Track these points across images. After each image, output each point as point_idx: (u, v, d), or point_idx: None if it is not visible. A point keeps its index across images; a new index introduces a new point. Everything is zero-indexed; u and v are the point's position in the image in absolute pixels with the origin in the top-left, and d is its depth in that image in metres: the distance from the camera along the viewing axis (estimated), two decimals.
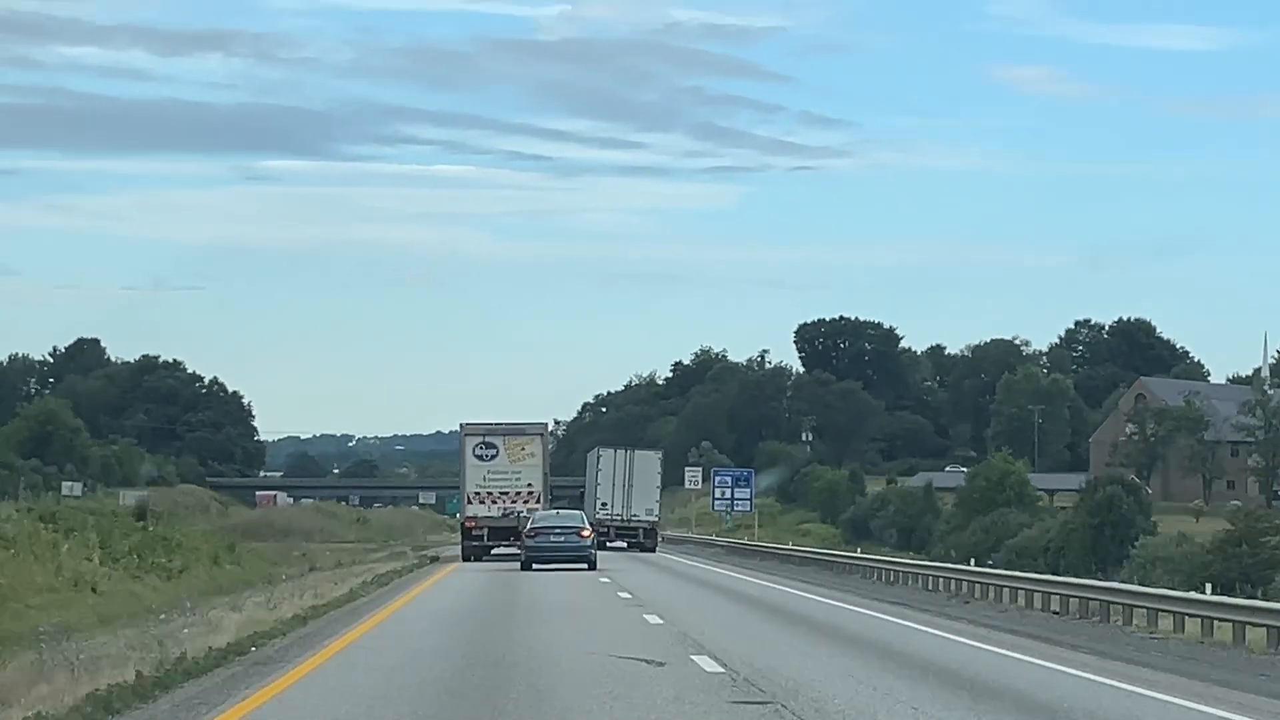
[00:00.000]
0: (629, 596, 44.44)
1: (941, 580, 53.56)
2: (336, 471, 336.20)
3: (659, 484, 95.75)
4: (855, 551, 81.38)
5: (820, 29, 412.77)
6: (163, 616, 36.89)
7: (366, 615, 35.39)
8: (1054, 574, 61.07)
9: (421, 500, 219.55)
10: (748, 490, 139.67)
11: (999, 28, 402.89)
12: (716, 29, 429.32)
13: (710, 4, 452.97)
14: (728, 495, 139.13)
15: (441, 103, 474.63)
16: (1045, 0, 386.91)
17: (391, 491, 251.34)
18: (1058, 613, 40.80)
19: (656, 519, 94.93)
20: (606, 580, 53.61)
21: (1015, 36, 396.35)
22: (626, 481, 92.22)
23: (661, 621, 34.17)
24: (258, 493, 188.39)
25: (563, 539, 61.98)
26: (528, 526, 63.77)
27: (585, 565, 61.10)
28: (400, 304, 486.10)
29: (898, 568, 62.89)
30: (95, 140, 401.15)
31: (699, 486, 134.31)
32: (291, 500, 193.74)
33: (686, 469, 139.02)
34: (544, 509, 71.08)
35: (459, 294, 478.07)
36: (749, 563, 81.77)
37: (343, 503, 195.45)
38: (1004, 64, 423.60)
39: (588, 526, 64.79)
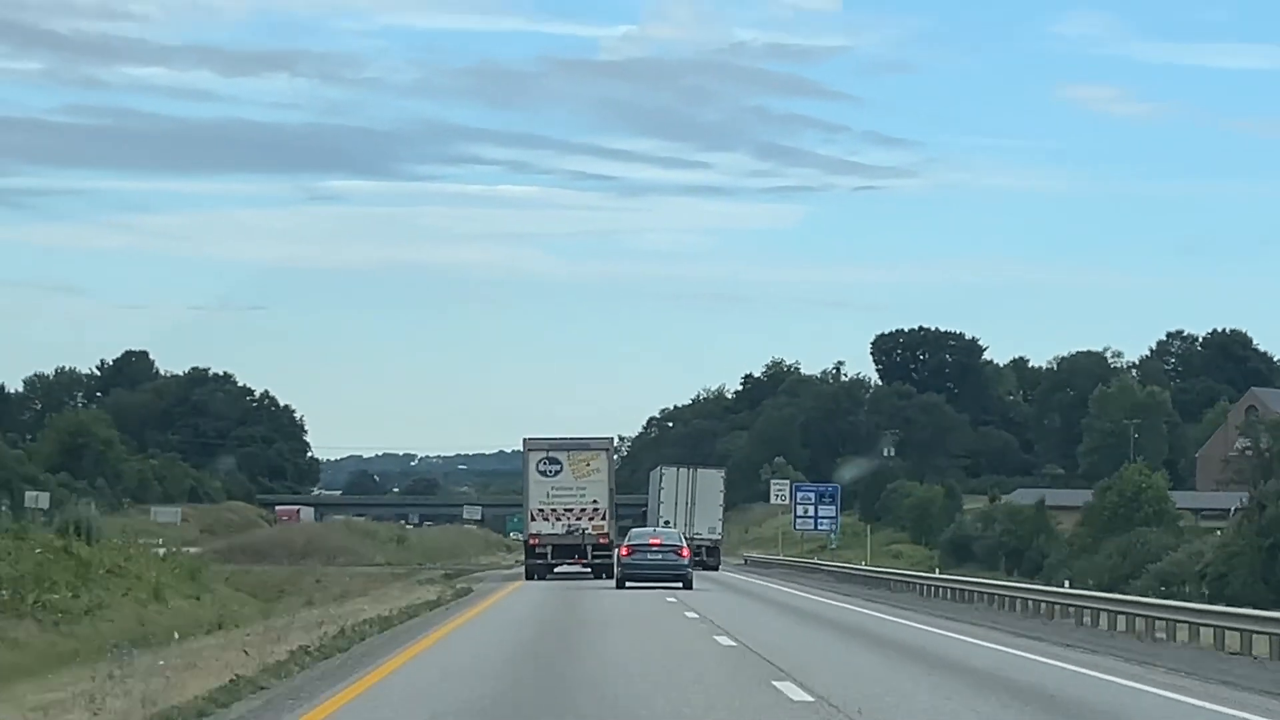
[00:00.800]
0: (732, 644, 30.29)
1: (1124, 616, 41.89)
2: (396, 490, 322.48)
3: (722, 502, 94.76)
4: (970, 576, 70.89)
5: (884, 48, 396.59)
6: None
7: None
8: (1218, 603, 52.80)
9: (467, 516, 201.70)
10: (832, 507, 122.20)
11: (1064, 47, 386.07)
12: (781, 49, 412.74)
13: (775, 24, 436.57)
14: (810, 513, 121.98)
15: (505, 123, 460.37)
16: (1111, 20, 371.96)
17: (450, 509, 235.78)
18: (1236, 652, 33.48)
19: (719, 537, 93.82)
20: (694, 616, 38.91)
21: (1081, 56, 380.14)
22: (689, 500, 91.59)
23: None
24: (277, 508, 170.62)
25: (660, 557, 59.97)
26: (624, 543, 62.28)
27: (681, 585, 58.43)
28: (463, 323, 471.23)
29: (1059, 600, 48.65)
30: (161, 160, 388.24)
31: (785, 502, 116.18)
32: (316, 517, 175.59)
33: (772, 482, 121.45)
34: (610, 526, 69.96)
35: (522, 314, 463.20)
36: (878, 594, 64.32)
37: (384, 521, 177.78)
38: (1070, 83, 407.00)
39: (686, 545, 62.90)
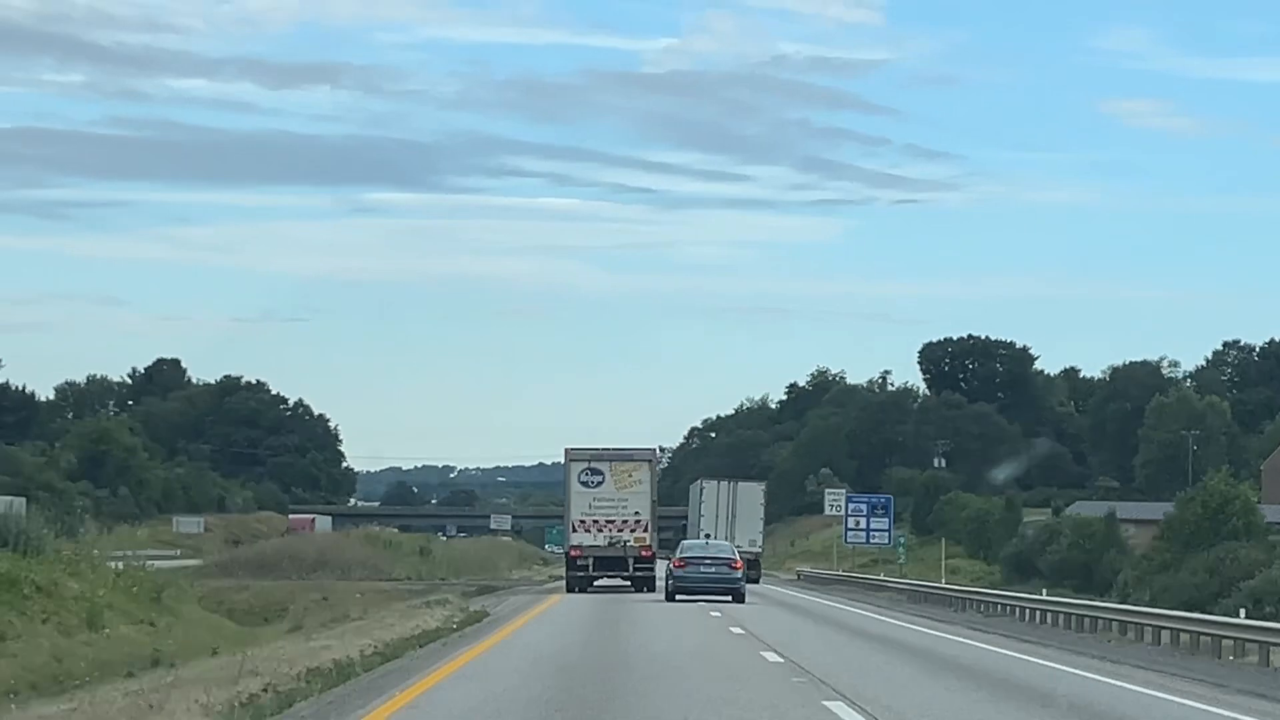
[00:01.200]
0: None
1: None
2: (434, 501, 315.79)
3: (762, 515, 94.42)
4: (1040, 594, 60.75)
5: (926, 62, 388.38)
6: None
7: None
8: None
9: (495, 525, 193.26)
10: (885, 520, 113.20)
11: (1106, 61, 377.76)
12: (823, 61, 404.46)
13: (817, 37, 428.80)
14: (862, 525, 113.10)
15: (547, 135, 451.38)
16: (1152, 34, 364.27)
17: (486, 521, 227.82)
18: None
19: (760, 550, 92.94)
20: (776, 660, 29.61)
21: (1122, 70, 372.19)
22: (730, 513, 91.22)
23: None
24: (291, 516, 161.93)
25: (713, 570, 58.60)
26: (676, 555, 61.37)
27: (731, 598, 56.84)
28: (504, 336, 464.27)
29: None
30: (203, 172, 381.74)
31: (840, 513, 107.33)
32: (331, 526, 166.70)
33: (826, 492, 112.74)
34: (652, 538, 68.60)
35: (563, 326, 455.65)
36: (964, 617, 55.38)
37: (421, 533, 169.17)
38: (1111, 97, 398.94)
39: (739, 558, 61.02)
